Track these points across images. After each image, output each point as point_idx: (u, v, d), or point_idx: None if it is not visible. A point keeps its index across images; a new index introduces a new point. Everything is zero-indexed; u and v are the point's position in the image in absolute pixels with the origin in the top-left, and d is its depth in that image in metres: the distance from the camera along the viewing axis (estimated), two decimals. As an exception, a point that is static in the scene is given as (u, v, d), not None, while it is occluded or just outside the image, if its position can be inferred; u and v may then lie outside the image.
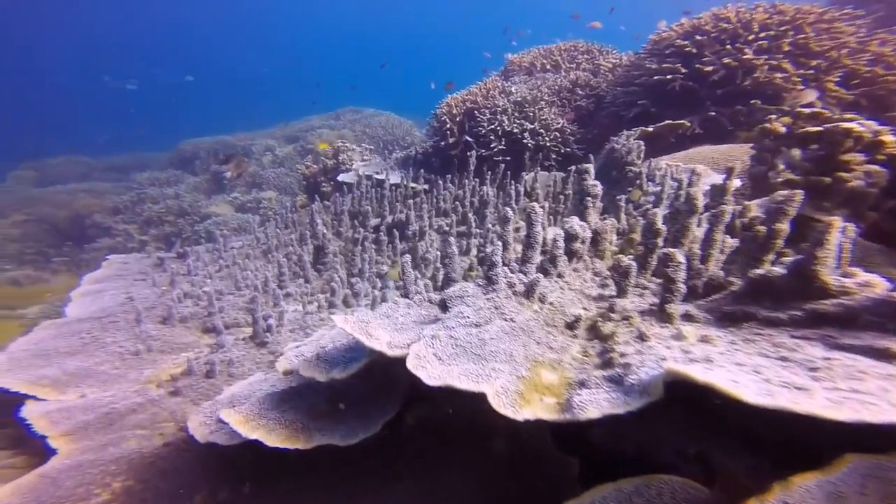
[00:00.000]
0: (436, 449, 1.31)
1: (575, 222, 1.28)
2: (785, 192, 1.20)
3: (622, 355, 0.94)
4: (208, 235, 8.84)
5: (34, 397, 2.12)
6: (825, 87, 3.07)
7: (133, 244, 10.50)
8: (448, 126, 4.87)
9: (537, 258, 1.22)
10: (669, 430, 1.12)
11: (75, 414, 2.04)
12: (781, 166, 2.07)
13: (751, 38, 3.15)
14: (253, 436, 1.14)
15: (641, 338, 0.98)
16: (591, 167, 1.53)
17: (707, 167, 3.05)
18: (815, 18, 3.22)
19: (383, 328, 1.11)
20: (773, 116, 2.15)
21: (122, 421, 2.07)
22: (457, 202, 3.68)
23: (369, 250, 3.38)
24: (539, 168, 4.50)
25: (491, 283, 1.12)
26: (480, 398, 0.89)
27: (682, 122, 3.41)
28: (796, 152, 1.99)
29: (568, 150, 4.52)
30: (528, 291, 1.14)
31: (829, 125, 1.91)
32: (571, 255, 1.32)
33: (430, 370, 0.89)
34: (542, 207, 1.28)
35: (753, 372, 0.74)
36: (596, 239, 1.46)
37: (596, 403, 0.82)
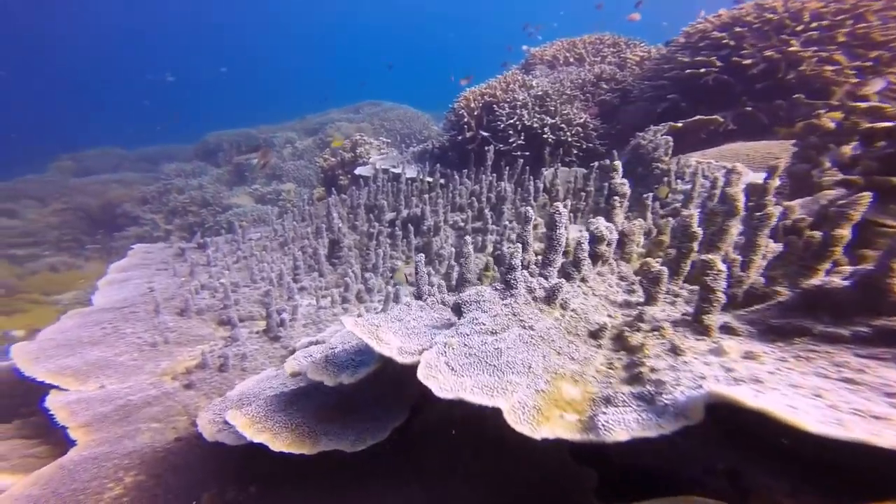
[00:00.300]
0: (444, 454, 1.25)
1: (601, 223, 1.20)
2: (833, 194, 1.09)
3: (653, 370, 0.85)
4: (229, 226, 9.00)
5: (58, 387, 2.16)
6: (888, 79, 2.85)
7: (159, 233, 10.79)
8: (465, 120, 4.77)
9: (559, 261, 1.14)
10: (695, 442, 1.03)
11: (94, 405, 2.06)
12: (828, 164, 1.93)
13: (799, 28, 2.94)
14: (258, 439, 1.10)
15: (675, 351, 0.89)
16: (618, 164, 1.43)
17: (742, 165, 2.89)
18: (883, 5, 2.97)
19: (394, 332, 1.05)
20: (822, 111, 2.00)
21: (137, 413, 2.08)
22: (473, 197, 3.60)
23: (384, 245, 3.33)
24: (559, 164, 4.37)
25: (509, 288, 1.05)
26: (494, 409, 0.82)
27: (714, 117, 3.24)
28: (846, 149, 1.84)
29: (590, 145, 4.37)
30: (549, 297, 1.06)
31: None
32: (596, 258, 1.23)
33: (442, 381, 0.83)
34: (565, 206, 1.20)
35: (813, 395, 0.65)
36: (623, 241, 1.37)
37: (624, 424, 0.74)
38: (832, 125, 2.04)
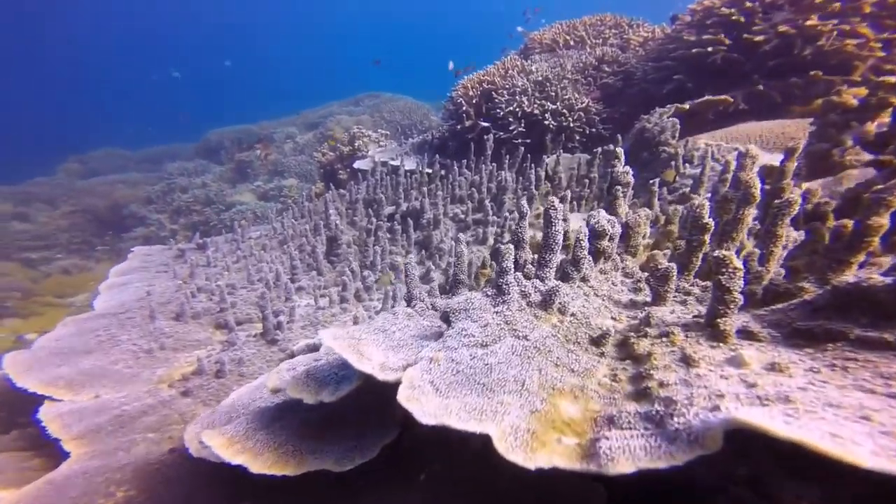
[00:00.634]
0: (438, 470, 1.16)
1: (602, 216, 1.09)
2: (857, 173, 0.98)
3: (662, 385, 0.76)
4: (232, 224, 9.00)
5: (51, 398, 2.11)
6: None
7: (165, 233, 10.84)
8: (464, 108, 4.64)
9: (556, 260, 1.04)
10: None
11: (88, 416, 2.01)
12: (850, 143, 1.79)
13: (819, 0, 2.75)
14: (236, 461, 1.02)
15: (686, 361, 0.80)
16: (620, 151, 1.32)
17: (755, 147, 2.75)
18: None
19: (377, 345, 0.97)
20: (844, 88, 1.86)
21: (132, 424, 2.03)
22: (473, 188, 3.49)
23: (383, 240, 3.25)
24: (561, 150, 4.23)
25: (501, 294, 0.95)
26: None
27: (723, 97, 3.08)
28: (871, 127, 1.71)
29: (593, 130, 4.23)
30: (546, 302, 0.97)
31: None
32: (598, 254, 1.13)
33: (425, 405, 0.74)
34: (563, 199, 1.10)
35: (859, 417, 0.55)
36: (627, 233, 1.27)
37: (629, 452, 0.65)
38: (855, 101, 1.90)
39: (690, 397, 0.69)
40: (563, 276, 1.07)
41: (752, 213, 1.08)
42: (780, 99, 3.04)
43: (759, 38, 3.03)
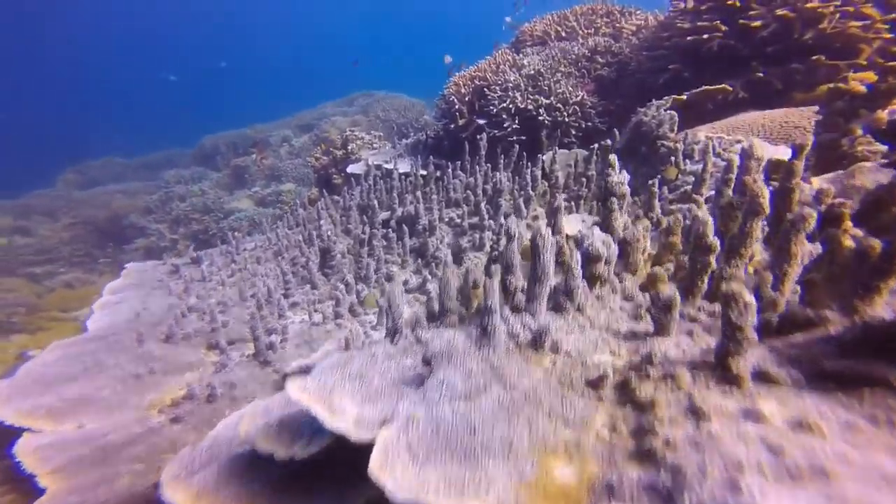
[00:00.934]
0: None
1: (595, 238, 1.00)
2: (871, 165, 0.87)
3: (668, 444, 0.67)
4: (224, 237, 8.95)
5: (30, 429, 2.04)
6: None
7: (165, 243, 10.80)
8: (457, 107, 4.53)
9: (547, 292, 0.95)
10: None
11: (69, 448, 1.94)
12: (860, 132, 1.68)
13: None
14: (207, 523, 0.94)
15: (696, 413, 0.71)
16: (614, 159, 1.22)
17: (757, 138, 2.63)
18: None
19: (352, 396, 0.88)
20: (850, 73, 1.75)
21: (118, 454, 1.96)
22: (468, 191, 3.39)
23: (377, 250, 3.16)
24: (557, 146, 4.12)
25: (486, 335, 0.86)
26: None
27: (722, 86, 2.96)
28: (883, 115, 1.60)
29: (589, 124, 4.11)
30: (536, 342, 0.88)
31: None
32: (593, 280, 1.03)
33: (400, 477, 0.65)
34: (558, 209, 1.00)
35: None
36: (625, 249, 1.17)
37: (633, 535, 0.56)
38: (863, 88, 1.78)
39: (703, 467, 0.60)
40: (556, 307, 0.98)
41: (759, 225, 0.98)
42: (780, 86, 2.91)
43: (757, 22, 2.90)
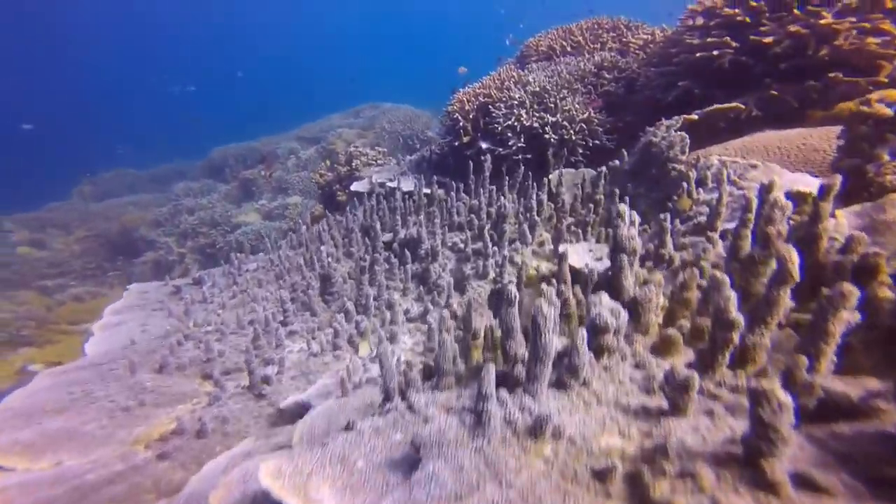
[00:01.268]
0: None
1: (603, 307, 0.90)
2: None
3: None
4: (239, 246, 8.96)
5: (2, 468, 1.95)
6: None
7: (173, 256, 10.87)
8: (461, 124, 4.46)
9: (547, 372, 0.85)
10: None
11: (40, 489, 1.84)
12: (886, 157, 1.57)
13: None
14: None
15: (721, 538, 0.60)
16: (624, 209, 1.13)
17: (772, 161, 2.51)
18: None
19: (332, 484, 0.78)
20: (872, 95, 1.64)
21: (95, 495, 1.86)
22: (472, 215, 3.30)
23: (379, 276, 3.08)
24: (564, 165, 4.03)
25: (480, 424, 0.77)
26: None
27: (734, 104, 2.85)
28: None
29: (597, 142, 4.01)
30: (535, 429, 0.78)
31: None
32: (600, 351, 0.93)
33: None
34: (564, 255, 0.90)
35: None
36: (637, 310, 1.07)
37: None
38: (889, 111, 1.67)
39: None
40: (559, 383, 0.88)
41: (787, 293, 0.88)
42: (796, 103, 2.80)
43: (768, 39, 2.79)
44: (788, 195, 1.80)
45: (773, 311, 0.88)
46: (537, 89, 4.19)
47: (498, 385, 1.01)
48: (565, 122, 4.02)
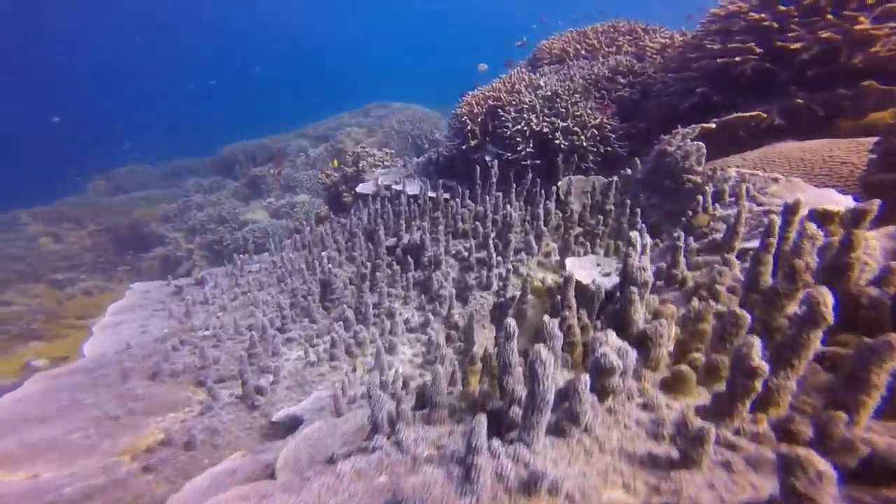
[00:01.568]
0: None
1: (608, 348, 0.80)
2: None
3: None
4: (244, 244, 8.96)
5: None
6: None
7: (181, 252, 10.92)
8: (469, 128, 4.36)
9: (545, 422, 0.75)
10: None
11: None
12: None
13: (871, 1, 2.36)
14: None
15: None
16: (636, 237, 1.03)
17: (794, 173, 2.37)
18: None
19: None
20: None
21: (68, 512, 1.80)
22: (476, 222, 3.20)
23: (380, 283, 2.99)
24: (574, 172, 3.91)
25: (469, 480, 0.67)
26: None
27: (756, 113, 2.72)
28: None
29: (609, 149, 3.89)
30: (529, 485, 0.68)
31: None
32: (605, 393, 0.83)
33: None
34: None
35: None
36: (646, 344, 0.96)
37: None
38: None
39: None
40: (558, 429, 0.78)
41: (818, 337, 0.77)
42: (823, 113, 2.65)
43: (797, 44, 2.65)
44: (813, 214, 1.67)
45: (800, 354, 0.78)
46: (549, 93, 4.08)
47: (493, 422, 0.92)
48: (576, 128, 3.90)
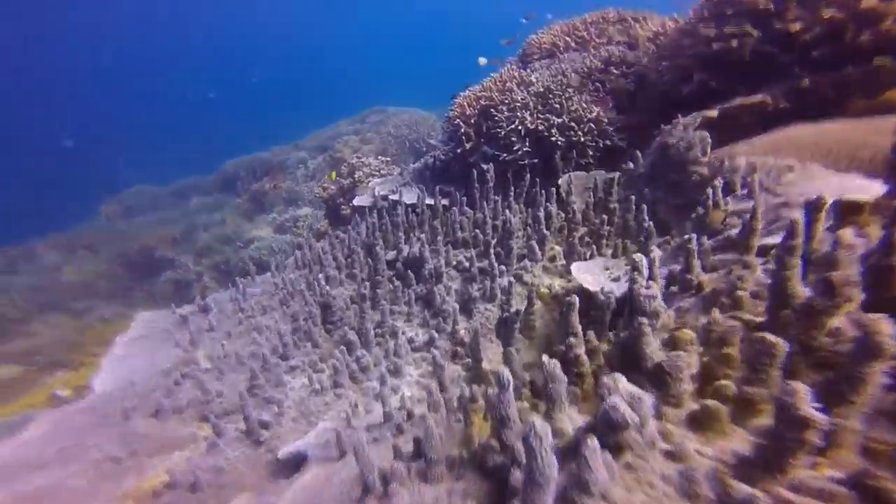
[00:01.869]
0: None
1: (618, 397, 0.70)
2: None
3: None
4: (244, 267, 8.95)
5: None
6: None
7: (190, 275, 10.97)
8: (463, 130, 4.26)
9: (549, 498, 0.65)
10: None
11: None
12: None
13: None
14: None
15: None
16: (641, 260, 0.92)
17: (807, 158, 2.24)
18: None
19: None
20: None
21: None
22: (476, 229, 3.10)
23: (381, 301, 2.90)
24: (573, 168, 3.79)
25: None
26: None
27: (759, 98, 2.59)
28: None
29: (607, 142, 3.76)
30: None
31: None
32: (619, 449, 0.73)
33: None
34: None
35: None
36: (664, 380, 0.86)
37: None
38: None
39: None
40: (565, 499, 0.68)
41: (877, 374, 0.66)
42: (832, 93, 2.51)
43: (796, 26, 2.52)
44: (836, 206, 1.55)
45: (859, 390, 0.67)
46: (541, 89, 3.96)
47: (495, 480, 0.82)
48: (573, 123, 3.78)
